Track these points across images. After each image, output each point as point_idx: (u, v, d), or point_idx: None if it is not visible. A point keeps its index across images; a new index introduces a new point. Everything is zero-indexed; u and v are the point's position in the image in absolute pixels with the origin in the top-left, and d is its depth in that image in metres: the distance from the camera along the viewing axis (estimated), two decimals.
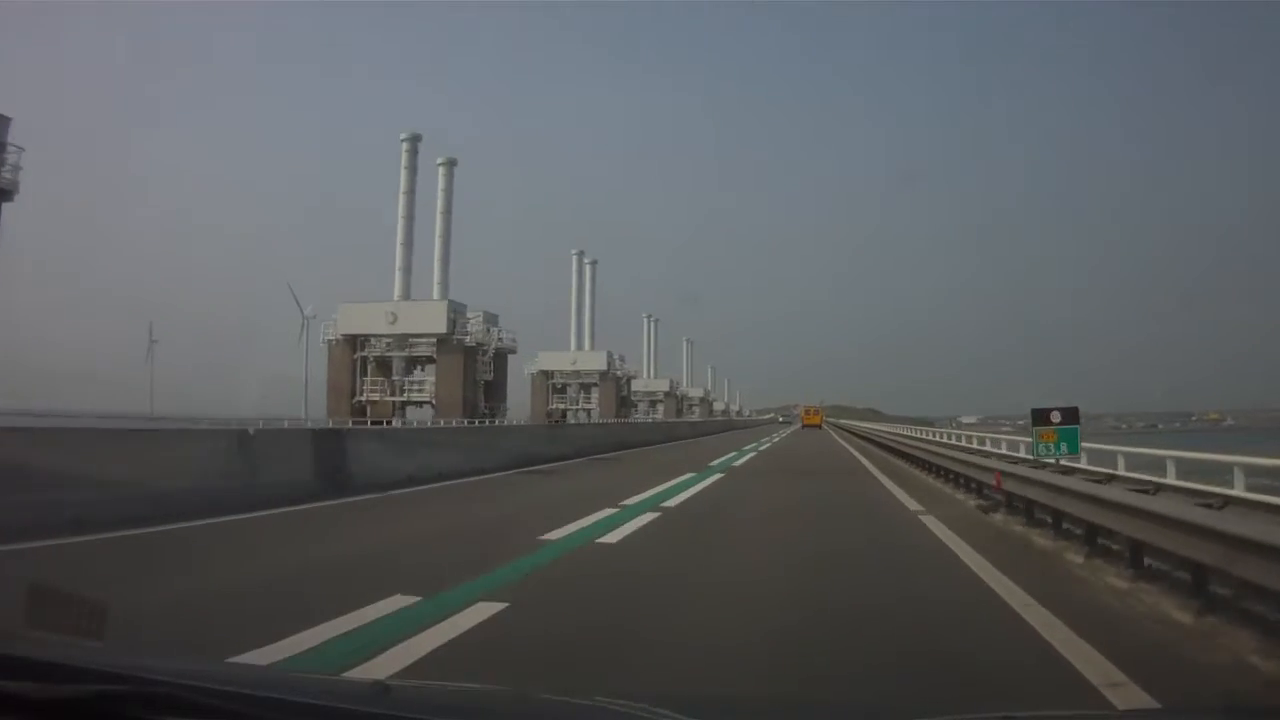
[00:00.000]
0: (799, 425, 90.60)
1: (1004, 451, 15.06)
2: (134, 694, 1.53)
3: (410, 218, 59.35)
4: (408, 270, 59.12)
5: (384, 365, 59.51)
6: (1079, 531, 8.72)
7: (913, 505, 12.97)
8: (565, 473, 19.70)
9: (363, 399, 58.36)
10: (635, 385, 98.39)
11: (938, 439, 23.63)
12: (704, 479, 18.00)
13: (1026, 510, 10.11)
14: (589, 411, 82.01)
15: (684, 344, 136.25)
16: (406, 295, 58.91)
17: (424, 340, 58.52)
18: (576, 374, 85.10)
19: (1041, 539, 9.10)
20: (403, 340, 58.70)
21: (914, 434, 28.55)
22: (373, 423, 47.57)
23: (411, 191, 59.60)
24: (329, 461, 13.88)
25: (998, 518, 11.04)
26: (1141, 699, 4.04)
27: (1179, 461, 9.61)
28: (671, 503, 12.92)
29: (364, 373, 59.20)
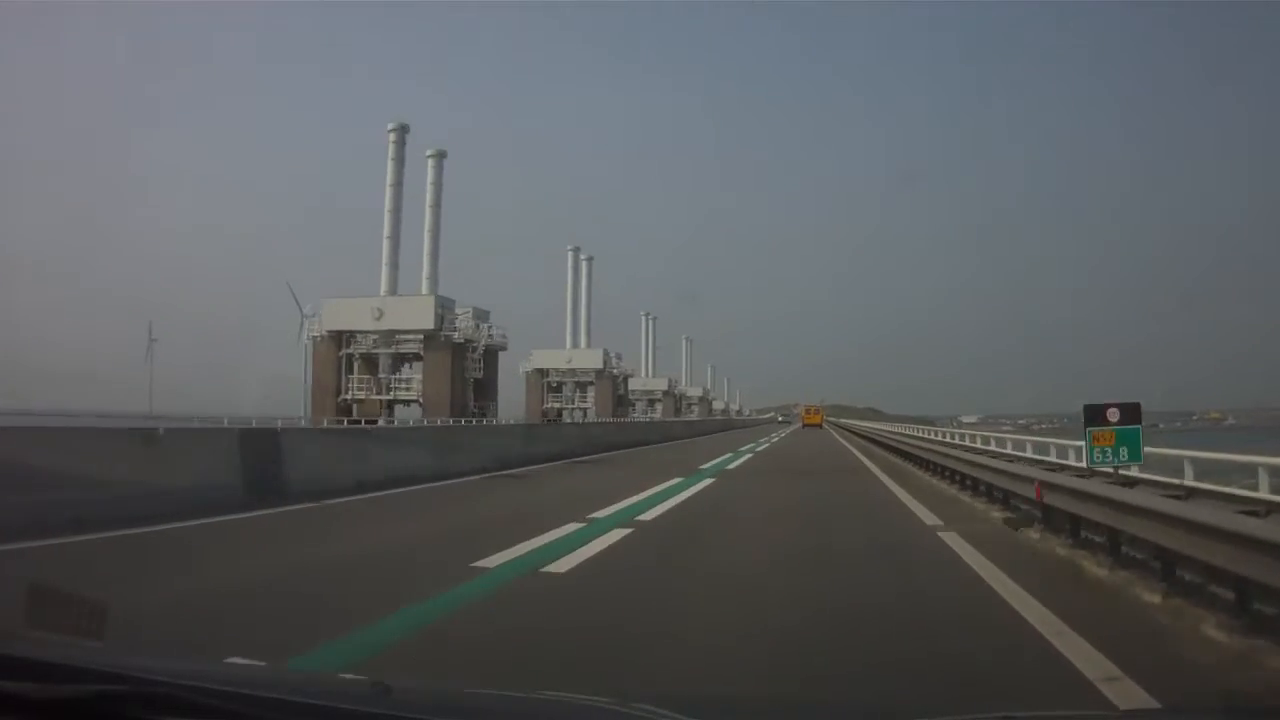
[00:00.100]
0: (799, 425, 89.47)
1: (1030, 455, 13.33)
2: (134, 694, 1.54)
3: (398, 210, 57.15)
4: (395, 265, 57.01)
5: (370, 362, 57.46)
6: (1139, 555, 7.03)
7: (929, 519, 11.22)
8: (540, 477, 17.98)
9: (349, 397, 56.36)
10: (633, 384, 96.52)
11: (944, 439, 22.23)
12: (692, 484, 16.29)
13: (1072, 529, 8.34)
14: (585, 410, 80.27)
15: (683, 343, 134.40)
16: (394, 291, 56.87)
17: (411, 337, 56.48)
18: (572, 372, 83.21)
19: (1095, 567, 7.35)
20: (389, 337, 56.67)
21: (919, 434, 26.97)
22: (367, 422, 45.93)
23: (399, 184, 57.36)
24: (261, 466, 12.31)
25: (1032, 535, 9.28)
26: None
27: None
28: (648, 515, 11.16)
29: (350, 370, 57.21)
